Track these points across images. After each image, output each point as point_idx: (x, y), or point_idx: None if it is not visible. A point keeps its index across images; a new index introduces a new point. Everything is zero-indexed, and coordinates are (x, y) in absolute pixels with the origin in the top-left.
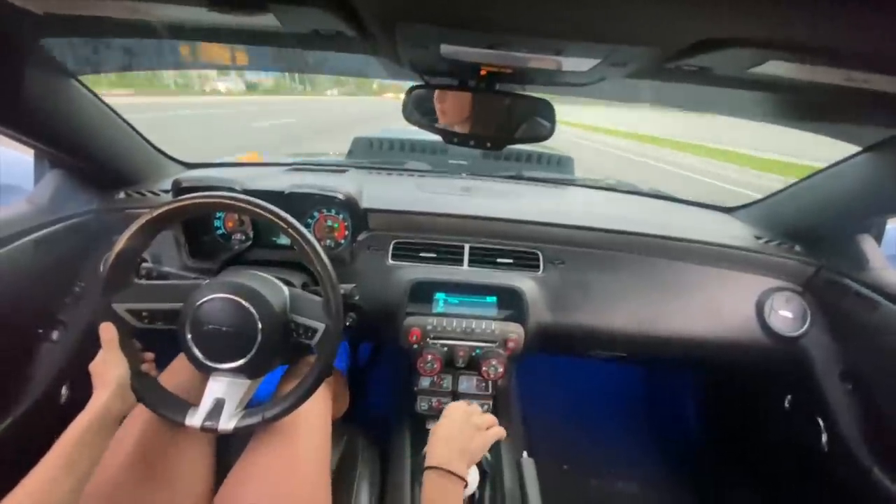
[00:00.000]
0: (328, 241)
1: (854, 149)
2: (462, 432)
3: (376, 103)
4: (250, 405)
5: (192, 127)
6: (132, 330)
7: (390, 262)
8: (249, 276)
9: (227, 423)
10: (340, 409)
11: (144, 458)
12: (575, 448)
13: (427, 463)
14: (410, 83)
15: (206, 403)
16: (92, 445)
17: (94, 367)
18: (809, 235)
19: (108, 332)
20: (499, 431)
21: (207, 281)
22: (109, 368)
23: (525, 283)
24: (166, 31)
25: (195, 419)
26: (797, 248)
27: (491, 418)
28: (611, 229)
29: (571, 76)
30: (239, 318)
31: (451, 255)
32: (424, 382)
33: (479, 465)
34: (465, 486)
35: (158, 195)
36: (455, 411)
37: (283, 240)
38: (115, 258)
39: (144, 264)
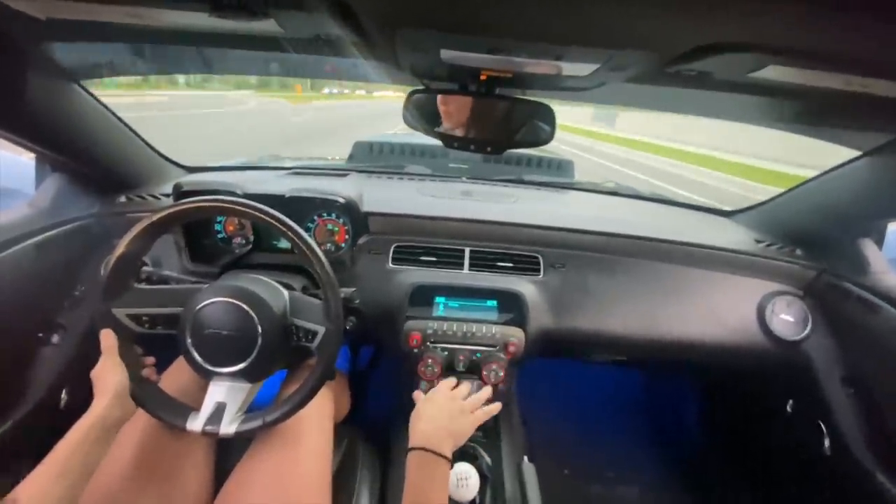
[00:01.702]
0: (329, 245)
1: (854, 153)
2: (445, 414)
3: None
4: (251, 409)
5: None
6: (133, 335)
7: (391, 265)
8: (249, 279)
9: (227, 427)
10: (342, 411)
11: (145, 461)
12: (576, 452)
13: (410, 444)
14: (394, 87)
15: (207, 408)
16: (89, 452)
17: (95, 373)
18: (810, 239)
19: (108, 339)
20: (489, 410)
21: (207, 285)
22: (109, 375)
23: (525, 286)
24: (168, 37)
25: (196, 424)
26: (798, 251)
27: (477, 400)
28: (611, 233)
29: (571, 81)
30: (239, 321)
31: (451, 259)
32: (424, 386)
33: (480, 469)
34: (451, 467)
35: (159, 199)
36: (438, 394)
37: (284, 243)
38: (116, 262)
39: (145, 268)
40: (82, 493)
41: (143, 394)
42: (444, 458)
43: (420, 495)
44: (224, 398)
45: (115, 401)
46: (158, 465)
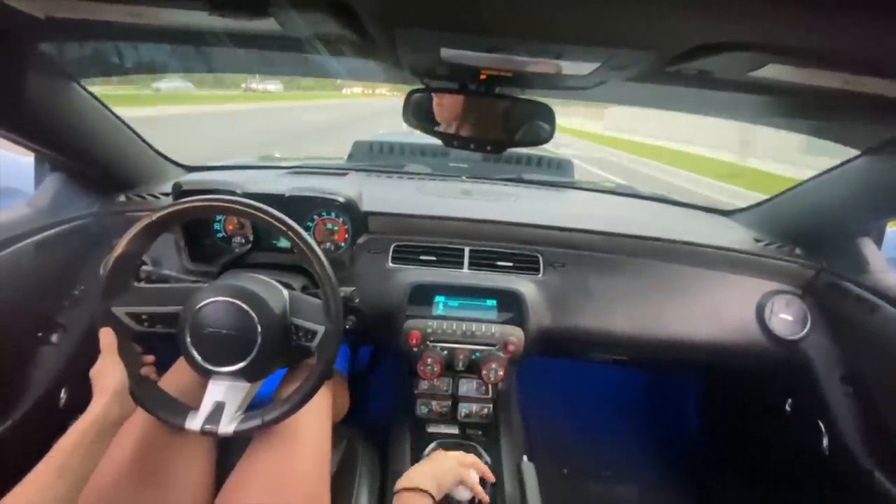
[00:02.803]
0: (328, 245)
1: (853, 152)
2: (434, 461)
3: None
4: (250, 408)
5: None
6: (132, 334)
7: (390, 265)
8: (249, 279)
9: (226, 426)
10: (341, 411)
11: (144, 461)
12: (575, 451)
13: (395, 487)
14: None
15: (206, 407)
16: (88, 451)
17: (94, 372)
18: (809, 238)
19: (107, 337)
20: (475, 467)
21: (207, 284)
22: (108, 374)
23: (525, 286)
24: (167, 36)
25: (195, 423)
26: (797, 250)
27: (471, 462)
28: (611, 232)
29: (571, 80)
30: (238, 321)
31: (451, 258)
32: (424, 386)
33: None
34: (434, 501)
35: (159, 198)
36: (441, 454)
37: (283, 243)
38: (115, 261)
39: (144, 267)
40: (81, 492)
41: (142, 393)
42: (424, 491)
43: None
44: (223, 397)
45: (114, 399)
46: (158, 464)
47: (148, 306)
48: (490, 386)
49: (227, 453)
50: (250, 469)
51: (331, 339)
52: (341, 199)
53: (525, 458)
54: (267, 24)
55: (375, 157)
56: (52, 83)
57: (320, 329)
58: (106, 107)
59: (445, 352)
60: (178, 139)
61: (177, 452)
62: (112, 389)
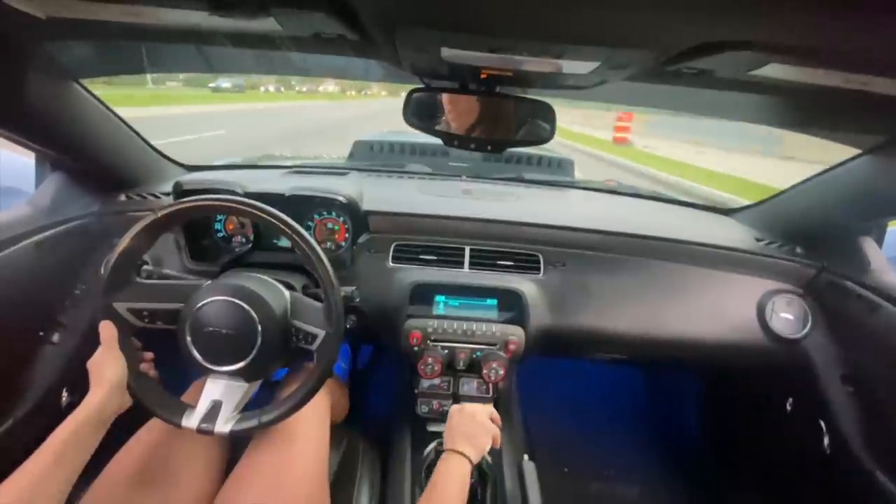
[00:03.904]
0: (329, 244)
1: (854, 151)
2: (463, 421)
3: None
4: (248, 408)
5: None
6: (132, 329)
7: (391, 264)
8: (251, 279)
9: (223, 425)
10: (339, 414)
11: (152, 462)
12: (575, 451)
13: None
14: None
15: (203, 405)
16: (84, 443)
17: (92, 364)
18: (810, 237)
19: (107, 331)
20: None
21: (208, 283)
22: (107, 367)
23: (525, 285)
24: (167, 35)
25: (191, 421)
26: (798, 250)
27: (492, 412)
28: (611, 231)
29: (572, 79)
30: (239, 320)
31: (451, 258)
32: (425, 385)
33: (479, 466)
34: (472, 464)
35: (159, 198)
36: (455, 412)
37: (284, 242)
38: (118, 258)
39: (145, 267)
40: (75, 482)
41: (140, 388)
42: (465, 456)
43: (436, 487)
44: (220, 396)
45: (111, 392)
46: (165, 463)
47: (149, 302)
48: (491, 385)
49: (235, 454)
50: (248, 468)
51: (331, 342)
52: (342, 199)
53: (526, 457)
54: (267, 24)
55: (376, 157)
56: (52, 83)
57: (321, 333)
58: (106, 106)
59: (446, 351)
60: None
61: (187, 452)
62: (110, 382)
